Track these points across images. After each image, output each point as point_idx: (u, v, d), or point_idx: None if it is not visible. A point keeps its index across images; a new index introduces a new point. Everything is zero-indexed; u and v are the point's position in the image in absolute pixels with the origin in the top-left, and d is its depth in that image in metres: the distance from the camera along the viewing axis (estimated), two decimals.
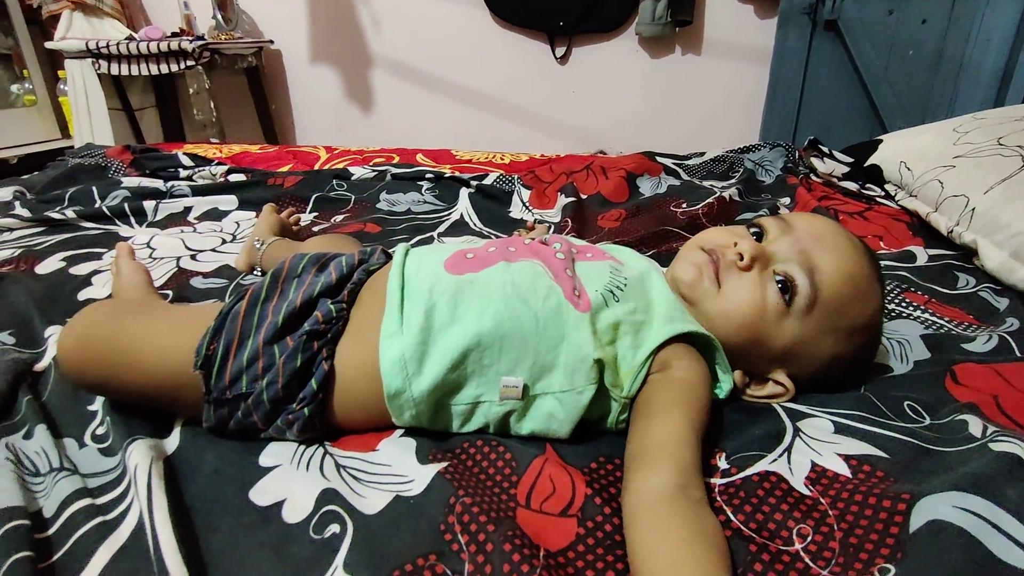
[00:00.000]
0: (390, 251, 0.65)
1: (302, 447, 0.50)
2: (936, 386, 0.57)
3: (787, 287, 0.53)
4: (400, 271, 0.55)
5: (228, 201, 1.20)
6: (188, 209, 1.17)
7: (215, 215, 1.16)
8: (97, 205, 1.19)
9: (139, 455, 0.46)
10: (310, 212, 1.19)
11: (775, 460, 0.47)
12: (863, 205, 1.11)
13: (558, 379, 0.50)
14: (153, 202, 1.16)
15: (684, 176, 1.37)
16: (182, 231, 1.08)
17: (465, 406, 0.50)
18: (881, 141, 1.19)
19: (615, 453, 0.49)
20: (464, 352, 0.49)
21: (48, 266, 0.91)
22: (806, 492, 0.44)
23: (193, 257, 0.96)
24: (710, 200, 1.14)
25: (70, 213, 1.10)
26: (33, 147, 2.54)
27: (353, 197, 1.23)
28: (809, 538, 0.40)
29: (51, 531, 0.42)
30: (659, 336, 0.51)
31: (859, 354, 0.56)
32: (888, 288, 0.79)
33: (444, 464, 0.47)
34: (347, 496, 0.44)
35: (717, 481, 0.46)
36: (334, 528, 0.41)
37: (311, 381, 0.49)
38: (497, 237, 1.05)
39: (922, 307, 0.75)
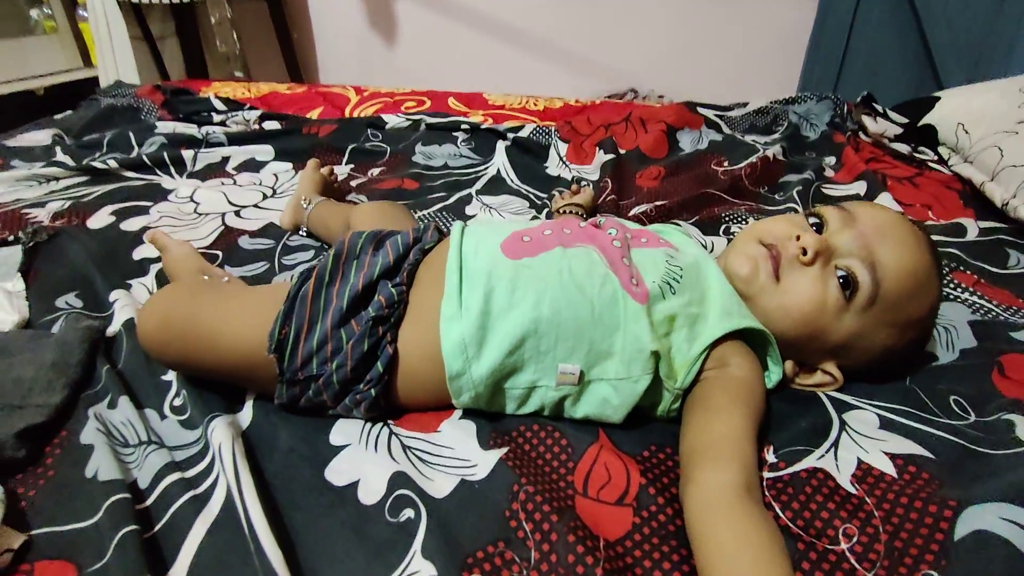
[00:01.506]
0: (443, 228, 0.66)
1: (368, 425, 0.53)
2: (982, 379, 0.58)
3: (849, 283, 0.53)
4: (458, 252, 0.56)
5: (265, 151, 1.20)
6: (226, 159, 1.17)
7: (253, 166, 1.16)
8: (135, 152, 1.20)
9: (221, 433, 0.49)
10: (346, 164, 1.18)
11: (822, 456, 0.49)
12: (914, 170, 1.08)
13: (614, 367, 0.51)
14: (191, 151, 1.16)
15: (725, 129, 1.33)
16: (222, 183, 1.09)
17: (522, 390, 0.52)
18: (939, 99, 1.13)
19: (666, 442, 0.52)
20: (522, 337, 0.51)
21: (99, 220, 0.93)
22: (852, 490, 0.46)
23: (237, 213, 0.97)
24: (753, 160, 1.11)
25: (112, 163, 1.10)
26: (58, 76, 2.51)
27: (388, 149, 1.22)
28: (855, 538, 0.43)
29: (149, 502, 0.46)
30: (715, 331, 0.52)
31: (911, 348, 0.57)
32: None
33: (504, 450, 0.49)
34: (416, 479, 0.47)
35: (765, 475, 0.48)
36: (409, 512, 0.44)
37: (377, 363, 0.51)
38: (536, 197, 1.04)
39: (970, 289, 0.75)
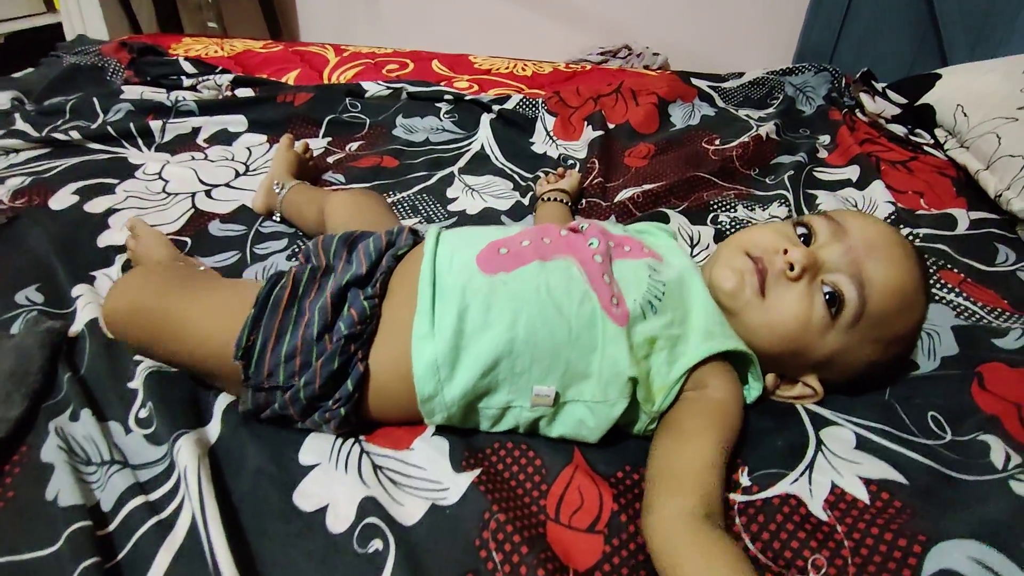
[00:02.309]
0: (419, 230, 0.63)
1: (339, 441, 0.52)
2: (962, 392, 0.57)
3: (835, 299, 0.51)
4: (432, 264, 0.54)
5: (237, 122, 1.14)
6: (196, 131, 1.12)
7: (225, 138, 1.11)
8: (100, 120, 1.14)
9: (187, 454, 0.48)
10: (323, 137, 1.13)
11: (796, 480, 0.49)
12: (908, 154, 1.05)
13: (590, 389, 0.50)
14: (159, 122, 1.11)
15: (719, 103, 1.28)
16: (193, 157, 1.04)
17: (496, 410, 0.51)
18: (939, 77, 1.09)
19: (641, 461, 0.51)
20: (496, 359, 0.49)
21: (61, 200, 0.89)
22: (823, 517, 0.46)
23: (208, 194, 0.93)
24: (745, 139, 1.08)
25: (75, 134, 1.05)
26: (18, 23, 2.37)
27: (368, 121, 1.16)
28: (823, 570, 0.43)
29: (111, 527, 0.45)
30: (696, 355, 0.50)
31: (894, 362, 0.56)
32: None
33: (477, 472, 0.49)
34: (386, 505, 0.46)
35: (737, 498, 0.48)
36: (377, 544, 0.43)
37: (347, 382, 0.50)
38: (521, 178, 1.00)
39: (956, 289, 0.74)
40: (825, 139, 1.13)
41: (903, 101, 1.08)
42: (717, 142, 1.11)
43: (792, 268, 0.52)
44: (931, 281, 0.75)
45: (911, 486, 0.48)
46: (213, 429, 0.53)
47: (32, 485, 0.48)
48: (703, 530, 0.41)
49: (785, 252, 0.53)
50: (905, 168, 1.01)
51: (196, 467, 0.47)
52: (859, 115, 1.17)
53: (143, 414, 0.54)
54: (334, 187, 0.96)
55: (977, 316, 0.70)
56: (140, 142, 1.08)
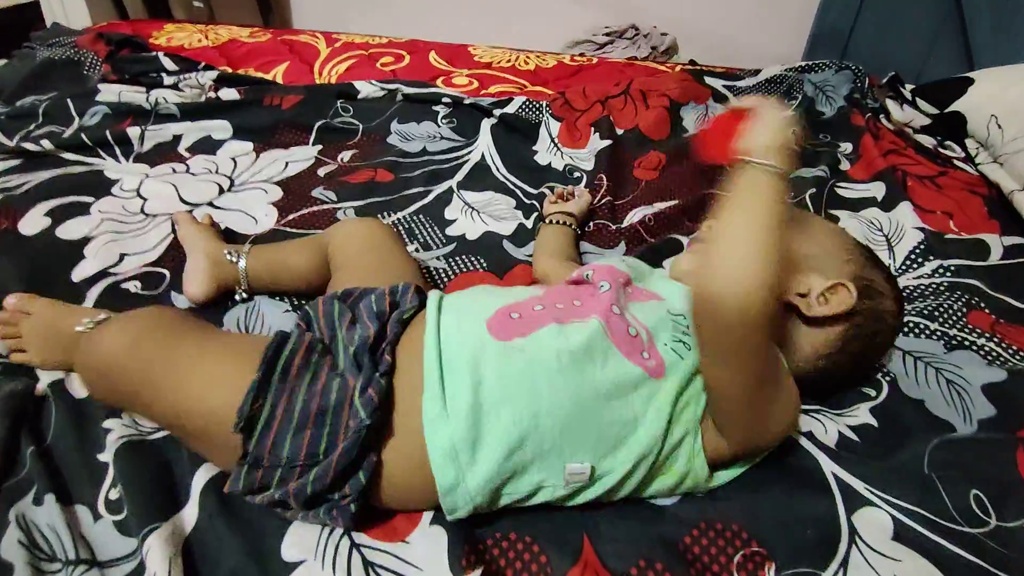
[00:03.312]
0: (423, 290, 0.58)
1: (325, 532, 0.48)
2: (1005, 463, 0.53)
3: None
4: (436, 334, 0.49)
5: (221, 128, 1.07)
6: (177, 139, 1.05)
7: (208, 146, 1.04)
8: (75, 125, 1.07)
9: (157, 557, 0.44)
10: (313, 145, 1.06)
11: None
12: (937, 168, 0.98)
13: (628, 451, 0.46)
14: (138, 129, 1.04)
15: (734, 103, 1.20)
16: (173, 170, 0.98)
17: (525, 494, 0.47)
18: (972, 82, 1.02)
19: (656, 555, 0.47)
20: (521, 436, 0.45)
21: (32, 223, 0.83)
22: None
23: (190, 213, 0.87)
24: None
25: (47, 144, 0.98)
26: None
27: (361, 127, 1.09)
28: None
29: None
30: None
31: (867, 253, 0.57)
32: (951, 304, 0.72)
33: (478, 573, 0.44)
34: None
35: None
36: None
37: (359, 474, 0.45)
38: (525, 195, 0.94)
39: (987, 333, 0.68)
40: (847, 147, 1.06)
41: (933, 111, 1.01)
42: None
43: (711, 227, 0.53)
44: (959, 324, 0.70)
45: None
46: (189, 514, 0.49)
47: None
48: None
49: None
50: (934, 184, 0.95)
51: (167, 573, 0.42)
52: (884, 121, 1.10)
53: (113, 495, 0.50)
54: (311, 234, 0.85)
55: (1011, 364, 0.65)
56: (117, 151, 1.01)
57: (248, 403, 0.45)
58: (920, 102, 1.03)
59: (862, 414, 0.59)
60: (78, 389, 0.58)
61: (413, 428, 0.45)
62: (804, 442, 0.56)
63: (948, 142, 1.01)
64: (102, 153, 1.00)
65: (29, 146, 0.98)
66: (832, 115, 1.17)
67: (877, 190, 0.94)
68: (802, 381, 0.53)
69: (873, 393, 0.60)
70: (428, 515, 0.49)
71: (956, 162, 0.99)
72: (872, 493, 0.51)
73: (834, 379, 0.58)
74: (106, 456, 0.52)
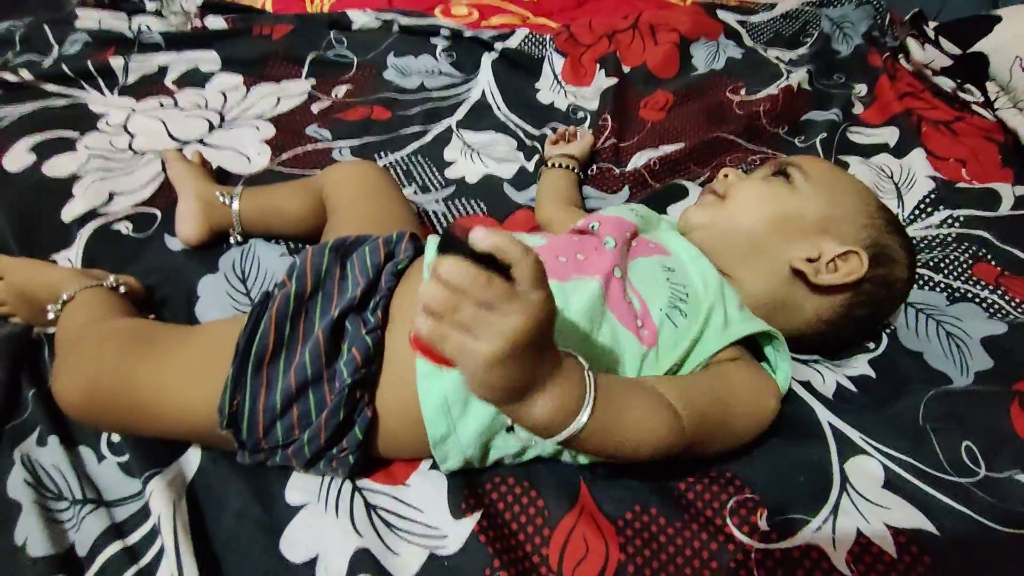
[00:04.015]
0: (419, 238, 0.56)
1: (328, 476, 0.48)
2: (998, 416, 0.54)
3: (781, 173, 0.55)
4: None
5: (209, 59, 1.02)
6: (164, 70, 1.00)
7: (196, 79, 1.00)
8: (55, 54, 1.02)
9: (160, 500, 0.44)
10: (306, 78, 1.02)
11: (819, 529, 0.46)
12: (954, 112, 0.95)
13: None
14: (121, 59, 0.99)
15: (747, 41, 1.15)
16: (161, 104, 0.94)
17: (516, 450, 0.47)
18: (998, 20, 0.97)
19: (651, 501, 0.48)
20: None
21: (17, 159, 0.81)
22: (847, 572, 0.43)
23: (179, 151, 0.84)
24: (773, 91, 0.97)
25: (26, 74, 0.93)
26: None
27: (356, 60, 1.04)
28: None
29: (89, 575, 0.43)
30: (715, 345, 0.47)
31: (889, 217, 0.54)
32: (957, 256, 0.71)
33: (478, 516, 0.45)
34: (381, 558, 0.43)
35: (756, 544, 0.45)
36: None
37: (354, 429, 0.45)
38: (527, 136, 0.91)
39: (991, 286, 0.68)
40: (862, 89, 1.02)
41: (956, 52, 0.96)
42: (743, 91, 1.01)
43: (727, 176, 0.57)
44: (963, 276, 0.69)
45: (942, 538, 0.45)
46: (192, 461, 0.49)
47: (0, 525, 0.45)
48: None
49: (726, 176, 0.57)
50: (949, 130, 0.92)
51: (171, 517, 0.43)
52: (902, 62, 1.05)
53: (115, 437, 0.50)
54: (310, 175, 0.82)
55: (1012, 317, 0.65)
56: (101, 83, 0.97)
57: (227, 404, 0.43)
58: (943, 41, 0.98)
59: (861, 365, 0.59)
60: None
61: (407, 382, 0.45)
62: (802, 392, 0.56)
63: (968, 85, 0.97)
64: (85, 85, 0.96)
65: (8, 76, 0.93)
66: (848, 54, 1.12)
67: (890, 135, 0.91)
68: (801, 340, 0.52)
69: (872, 345, 0.60)
70: (427, 460, 0.49)
71: (974, 107, 0.95)
72: (866, 442, 0.52)
73: (835, 340, 0.57)
74: None
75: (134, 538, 0.45)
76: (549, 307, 0.32)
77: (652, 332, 0.47)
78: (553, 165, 0.80)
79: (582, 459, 0.48)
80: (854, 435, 0.52)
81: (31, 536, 0.43)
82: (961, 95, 0.96)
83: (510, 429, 0.45)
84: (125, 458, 0.49)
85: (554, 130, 0.90)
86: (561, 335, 0.44)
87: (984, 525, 0.46)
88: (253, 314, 0.46)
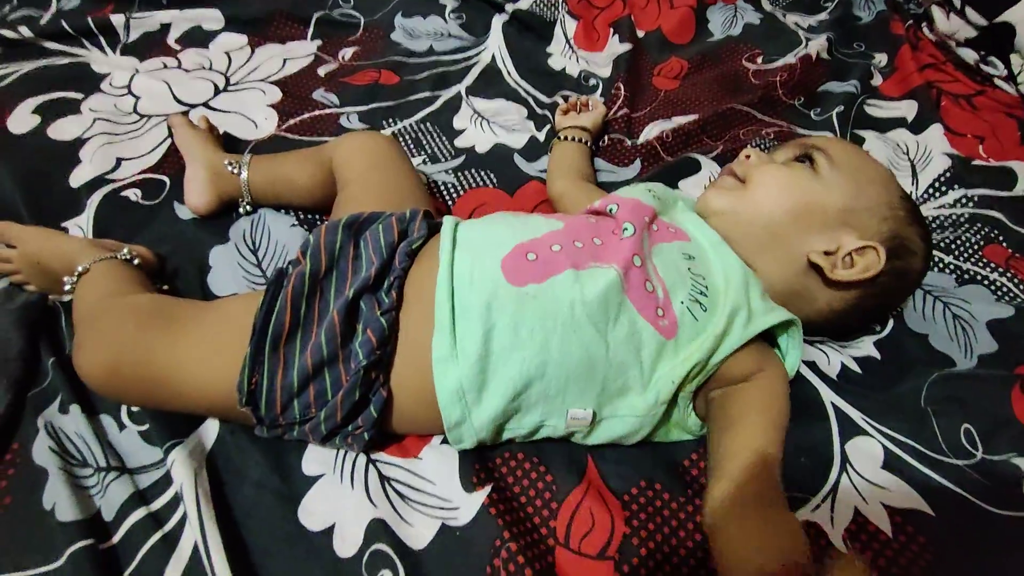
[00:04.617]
0: (433, 215, 0.55)
1: (343, 448, 0.50)
2: (999, 401, 0.55)
3: (805, 158, 0.55)
4: (449, 274, 0.47)
5: (212, 17, 0.99)
6: (166, 28, 0.97)
7: (199, 38, 0.97)
8: (53, 8, 0.99)
9: (182, 470, 0.46)
10: (312, 40, 0.99)
11: (818, 507, 0.47)
12: (976, 86, 0.93)
13: (629, 403, 0.47)
14: (121, 16, 0.96)
15: (766, 6, 1.12)
16: (164, 65, 0.92)
17: (527, 430, 0.48)
18: None
19: (657, 476, 0.49)
20: (527, 383, 0.45)
21: (22, 121, 0.80)
22: (843, 549, 0.45)
23: (185, 115, 0.83)
24: (791, 60, 0.95)
25: (26, 30, 0.91)
26: None
27: (362, 20, 1.02)
28: None
29: (115, 540, 0.45)
30: (737, 341, 0.47)
31: (911, 208, 0.54)
32: (968, 237, 0.71)
33: (488, 489, 0.47)
34: (395, 527, 0.45)
35: None
36: (386, 574, 0.43)
37: (369, 408, 0.46)
38: (538, 104, 0.89)
39: (1000, 268, 0.68)
40: (882, 59, 0.99)
41: (982, 22, 0.93)
42: (759, 60, 0.98)
43: (748, 157, 0.56)
44: (973, 258, 0.69)
45: (937, 518, 0.47)
46: (210, 429, 0.50)
47: (28, 491, 0.46)
48: (751, 507, 0.40)
49: (747, 158, 0.57)
50: (969, 105, 0.90)
51: (193, 485, 0.45)
52: (925, 31, 1.02)
53: (135, 408, 0.52)
54: (322, 143, 0.81)
55: (1020, 299, 0.65)
56: (102, 41, 0.95)
57: (246, 382, 0.44)
58: (968, 11, 0.95)
59: (866, 346, 0.60)
60: None
61: (422, 364, 0.45)
62: (807, 372, 0.56)
63: (991, 58, 0.94)
64: (86, 43, 0.93)
65: (7, 33, 0.91)
66: (870, 20, 1.09)
67: (908, 109, 0.89)
68: (809, 326, 0.52)
69: (879, 327, 0.61)
70: (440, 435, 0.51)
71: (996, 80, 0.93)
72: (867, 423, 0.53)
73: (844, 327, 0.58)
74: None
75: (157, 504, 0.46)
76: None
77: (672, 323, 0.47)
78: (565, 138, 0.78)
79: (590, 440, 0.49)
80: (856, 416, 0.53)
81: (59, 501, 0.45)
82: (984, 68, 0.93)
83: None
84: (146, 427, 0.50)
85: (565, 99, 0.89)
86: (575, 327, 0.45)
87: (978, 507, 0.47)
88: (268, 292, 0.46)
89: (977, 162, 0.83)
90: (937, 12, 0.99)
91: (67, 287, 0.55)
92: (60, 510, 0.45)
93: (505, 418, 0.46)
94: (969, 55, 0.95)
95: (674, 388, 0.46)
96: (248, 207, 0.68)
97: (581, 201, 0.61)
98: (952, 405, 0.54)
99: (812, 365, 0.57)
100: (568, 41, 1.02)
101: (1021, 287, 0.67)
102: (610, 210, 0.53)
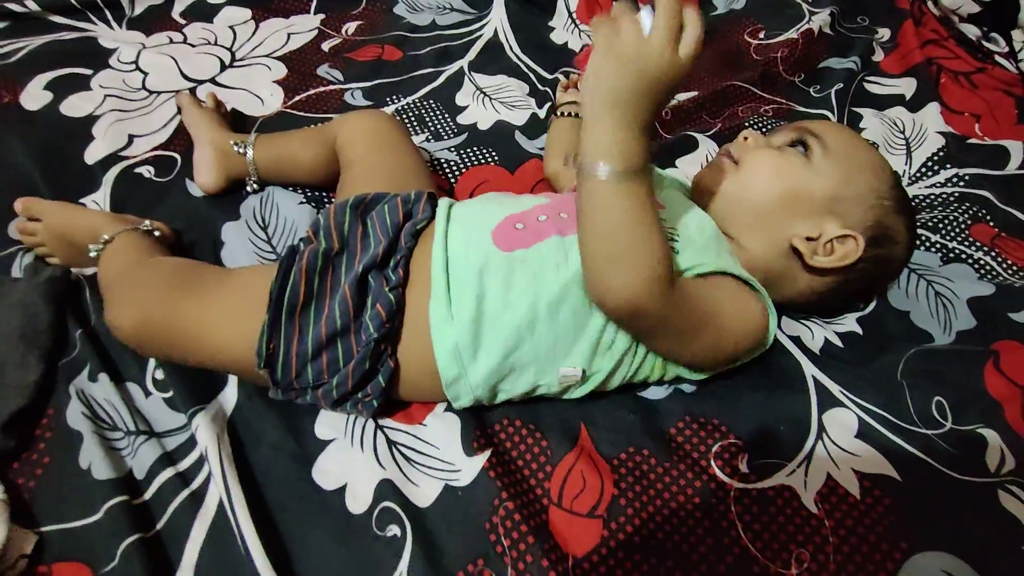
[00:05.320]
0: (436, 197, 0.58)
1: (352, 415, 0.53)
2: (973, 374, 0.57)
3: (800, 143, 0.56)
4: (443, 247, 0.51)
5: None
6: (171, 2, 0.98)
7: (203, 12, 0.98)
8: None
9: (205, 434, 0.50)
10: (315, 13, 1.00)
11: (793, 472, 0.51)
12: (976, 63, 0.93)
13: (611, 354, 0.50)
14: None
15: None
16: (170, 40, 0.93)
17: (524, 390, 0.52)
18: None
19: (644, 443, 0.53)
20: (518, 340, 0.49)
21: (34, 97, 0.82)
22: (814, 510, 0.49)
23: (193, 92, 0.85)
24: (793, 35, 0.95)
25: (32, 4, 0.92)
26: None
27: None
28: (805, 564, 0.46)
29: (147, 497, 0.49)
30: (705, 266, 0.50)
31: (900, 197, 0.55)
32: (956, 217, 0.73)
33: (487, 454, 0.51)
34: (402, 487, 0.49)
35: (736, 484, 0.51)
36: (395, 529, 0.47)
37: (378, 377, 0.49)
38: (539, 80, 0.90)
39: (985, 247, 0.70)
40: (885, 34, 1.00)
41: None
42: (761, 35, 0.98)
43: (746, 139, 0.57)
44: (959, 237, 0.71)
45: (903, 483, 0.50)
46: (229, 397, 0.54)
47: (65, 451, 0.50)
48: None
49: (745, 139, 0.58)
50: (969, 82, 0.91)
51: (217, 448, 0.49)
52: (929, 4, 1.02)
53: (159, 375, 0.55)
54: (325, 121, 0.82)
55: (1000, 279, 0.68)
56: (108, 15, 0.96)
57: (263, 347, 0.48)
58: None
59: (849, 322, 0.62)
60: None
61: (422, 330, 0.49)
62: (790, 346, 0.60)
63: (993, 34, 0.94)
64: (92, 17, 0.95)
65: (14, 7, 0.92)
66: None
67: (907, 87, 0.90)
68: (791, 306, 0.55)
69: (862, 304, 0.64)
70: (442, 403, 0.54)
71: (997, 57, 0.93)
72: (845, 395, 0.56)
73: (826, 308, 0.61)
74: None
75: (184, 464, 0.50)
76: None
77: None
78: (562, 114, 0.80)
79: (578, 393, 0.52)
80: (834, 389, 0.57)
81: (94, 461, 0.49)
82: (985, 44, 0.93)
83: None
84: (169, 394, 0.54)
85: (567, 75, 0.90)
86: (560, 285, 0.48)
87: (942, 472, 0.51)
88: (282, 266, 0.49)
89: (972, 140, 0.84)
90: None
91: (92, 254, 0.59)
92: (96, 469, 0.49)
93: (500, 377, 0.50)
94: (971, 31, 0.95)
95: None
96: (255, 185, 0.70)
97: (575, 179, 0.64)
98: (926, 378, 0.57)
99: (796, 340, 0.60)
100: (571, 14, 1.02)
101: (1003, 265, 0.69)
102: None
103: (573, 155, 0.70)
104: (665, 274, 0.43)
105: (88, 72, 0.86)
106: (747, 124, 0.83)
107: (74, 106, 0.81)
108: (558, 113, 0.80)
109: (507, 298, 0.49)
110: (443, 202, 0.55)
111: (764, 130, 0.83)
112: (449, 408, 0.54)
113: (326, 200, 0.71)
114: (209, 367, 0.53)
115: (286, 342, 0.48)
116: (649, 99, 0.41)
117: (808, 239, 0.53)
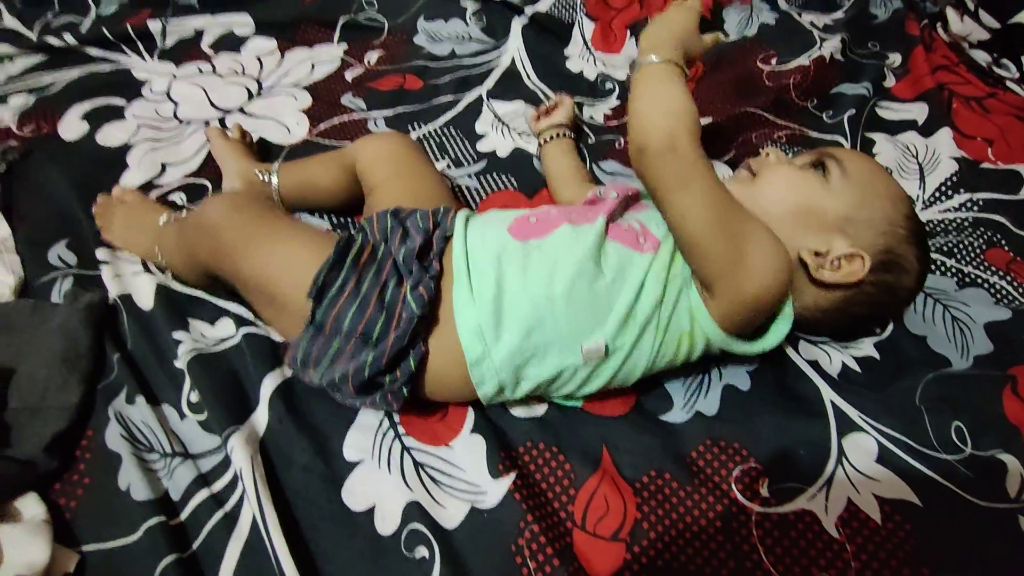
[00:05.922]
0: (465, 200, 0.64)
1: (379, 434, 0.55)
2: (991, 399, 0.58)
3: (818, 164, 0.57)
4: (463, 242, 0.55)
5: (243, 23, 1.03)
6: (200, 34, 1.02)
7: (232, 43, 1.02)
8: (92, 16, 1.04)
9: (240, 456, 0.51)
10: (338, 43, 1.03)
11: (813, 496, 0.52)
12: (987, 89, 0.94)
13: (633, 323, 0.52)
14: (158, 22, 1.01)
15: (782, 4, 1.13)
16: (200, 70, 0.97)
17: (549, 377, 0.53)
18: None
19: (666, 466, 0.54)
20: (539, 317, 0.51)
21: (71, 127, 0.85)
22: (835, 535, 0.50)
23: (222, 122, 0.88)
24: (804, 62, 0.97)
25: (70, 38, 0.96)
26: None
27: (387, 24, 1.05)
28: None
29: (183, 517, 0.50)
30: None
31: (913, 228, 0.55)
32: (971, 242, 0.74)
33: (512, 476, 0.52)
34: (429, 509, 0.50)
35: (756, 508, 0.51)
36: (423, 551, 0.48)
37: (409, 359, 0.51)
38: (550, 100, 0.93)
39: (1001, 271, 0.71)
40: (896, 59, 1.01)
41: (995, 25, 0.95)
42: (774, 61, 1.00)
43: (767, 155, 0.60)
44: (974, 262, 0.72)
45: (924, 509, 0.51)
46: (260, 417, 0.56)
47: (104, 472, 0.52)
48: None
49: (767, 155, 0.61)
50: (980, 107, 0.92)
51: (251, 470, 0.50)
52: (939, 31, 1.03)
53: (194, 398, 0.57)
54: (338, 147, 0.85)
55: (1018, 304, 0.68)
56: (141, 47, 0.99)
57: (324, 271, 0.52)
58: (982, 14, 0.96)
59: (866, 347, 0.63)
60: (144, 302, 0.64)
61: (447, 318, 0.52)
62: (808, 371, 0.61)
63: (1004, 60, 0.96)
64: (126, 49, 0.98)
65: (53, 41, 0.96)
66: (885, 19, 1.10)
67: (919, 112, 0.91)
68: (800, 324, 0.56)
69: (878, 329, 0.65)
70: (468, 424, 0.56)
71: (1008, 83, 0.94)
72: (864, 420, 0.57)
73: (833, 330, 0.62)
74: (180, 364, 0.58)
75: (218, 486, 0.52)
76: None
77: (654, 243, 0.54)
78: (547, 140, 0.82)
79: (604, 377, 0.53)
80: (853, 414, 0.57)
81: (132, 482, 0.51)
82: (996, 70, 0.95)
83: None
84: (204, 416, 0.56)
85: (536, 108, 0.90)
86: (576, 264, 0.52)
87: (963, 498, 0.51)
88: (342, 239, 0.54)
89: (985, 165, 0.85)
90: (951, 14, 1.00)
91: (162, 221, 0.68)
92: (134, 490, 0.50)
93: (523, 359, 0.52)
94: (982, 57, 0.96)
95: (661, 281, 0.52)
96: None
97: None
98: (944, 403, 0.58)
99: (814, 364, 0.61)
100: (586, 43, 1.05)
101: (1020, 290, 0.70)
102: (599, 193, 0.61)
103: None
104: (696, 129, 0.48)
105: (122, 102, 0.89)
106: (761, 149, 0.85)
107: (109, 136, 0.84)
108: (542, 141, 0.82)
109: (524, 279, 0.52)
110: (461, 215, 0.59)
111: (787, 153, 0.85)
112: (475, 430, 0.55)
113: (353, 226, 0.74)
114: (254, 288, 0.58)
115: (344, 279, 0.52)
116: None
117: (816, 254, 0.54)
